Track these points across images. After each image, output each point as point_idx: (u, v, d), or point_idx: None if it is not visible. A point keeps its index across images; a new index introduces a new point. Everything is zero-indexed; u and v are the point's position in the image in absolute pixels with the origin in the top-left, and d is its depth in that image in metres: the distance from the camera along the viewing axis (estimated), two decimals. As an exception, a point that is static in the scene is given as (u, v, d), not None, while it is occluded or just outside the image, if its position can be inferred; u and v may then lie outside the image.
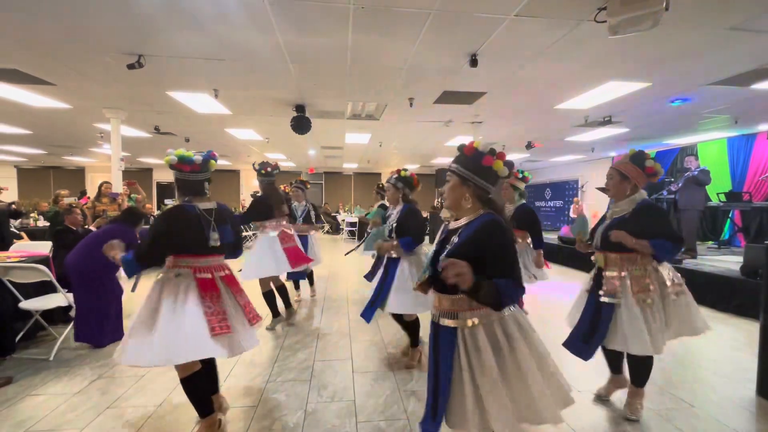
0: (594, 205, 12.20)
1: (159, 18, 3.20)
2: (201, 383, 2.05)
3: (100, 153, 11.60)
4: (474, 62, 3.87)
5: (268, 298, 3.84)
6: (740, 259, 4.86)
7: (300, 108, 5.93)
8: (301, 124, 5.93)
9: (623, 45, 3.60)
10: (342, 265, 7.62)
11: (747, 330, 3.89)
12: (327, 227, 14.07)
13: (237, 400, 2.52)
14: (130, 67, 3.86)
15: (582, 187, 12.89)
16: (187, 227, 2.00)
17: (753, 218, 7.33)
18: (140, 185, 7.84)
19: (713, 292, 4.74)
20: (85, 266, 3.27)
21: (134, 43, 3.70)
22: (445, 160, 13.13)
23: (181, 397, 2.53)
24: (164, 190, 15.74)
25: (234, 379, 2.83)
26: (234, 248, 2.34)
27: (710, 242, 7.87)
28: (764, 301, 2.68)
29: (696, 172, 6.09)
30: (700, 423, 2.32)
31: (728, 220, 7.85)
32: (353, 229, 13.09)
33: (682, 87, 4.91)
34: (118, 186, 6.32)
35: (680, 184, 6.31)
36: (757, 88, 4.73)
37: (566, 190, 13.84)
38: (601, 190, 7.66)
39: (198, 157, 2.04)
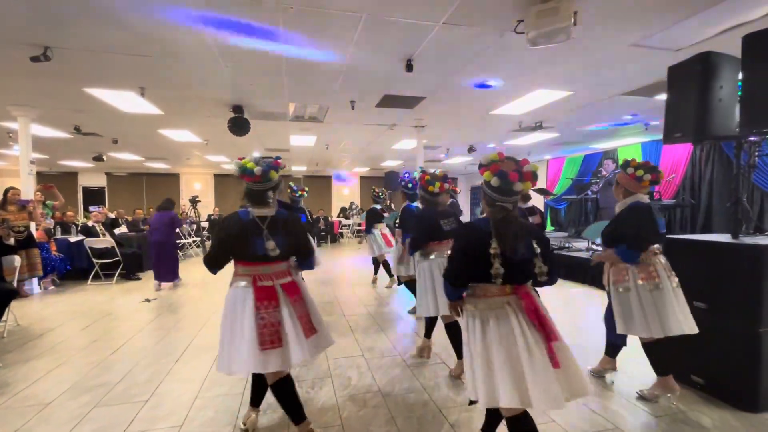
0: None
1: (64, 5, 2.91)
2: (288, 388, 2.08)
3: (11, 155, 10.35)
4: (409, 67, 3.96)
5: None
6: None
7: (238, 108, 5.70)
8: (239, 125, 5.70)
9: (545, 56, 3.87)
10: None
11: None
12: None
13: (159, 421, 2.35)
14: (35, 59, 3.48)
15: (521, 188, 13.65)
16: (237, 234, 2.02)
17: (663, 215, 8.19)
18: (62, 191, 7.09)
19: (629, 282, 5.21)
20: (165, 240, 5.99)
21: (38, 34, 3.34)
22: (394, 163, 13.28)
23: (90, 425, 2.31)
24: (92, 195, 14.38)
25: (157, 398, 2.63)
26: (302, 258, 2.22)
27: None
28: (663, 289, 2.99)
29: (611, 175, 6.73)
30: (611, 403, 2.53)
31: (644, 216, 8.70)
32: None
33: (599, 96, 5.38)
34: (29, 192, 5.67)
35: (600, 185, 6.92)
36: (659, 98, 5.31)
37: (508, 191, 14.59)
38: (538, 191, 8.06)
39: (258, 169, 2.02)
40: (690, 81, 2.59)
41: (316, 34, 3.39)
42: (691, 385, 2.70)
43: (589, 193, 7.68)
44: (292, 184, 4.99)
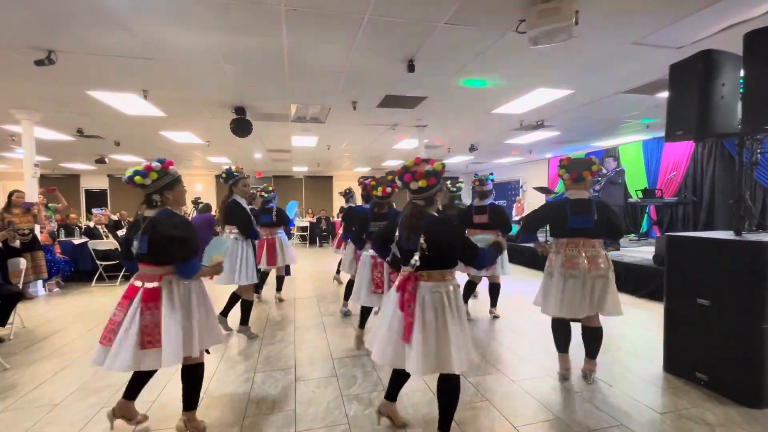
0: (534, 204, 12.97)
1: (69, 10, 2.94)
2: (140, 381, 2.26)
3: (14, 158, 10.40)
4: (411, 67, 3.97)
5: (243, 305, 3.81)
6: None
7: (240, 110, 5.71)
8: (241, 127, 5.72)
9: (547, 55, 3.88)
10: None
11: (658, 313, 4.31)
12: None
13: (166, 421, 2.37)
14: (39, 63, 3.50)
15: (522, 186, 13.67)
16: (127, 231, 2.22)
17: (665, 212, 8.20)
18: (65, 193, 7.12)
19: (632, 279, 5.24)
20: (205, 238, 6.18)
21: (43, 37, 3.37)
22: (395, 163, 13.29)
23: (99, 426, 2.33)
24: (93, 198, 14.42)
25: (164, 398, 2.65)
26: (176, 264, 2.07)
27: (632, 235, 8.69)
28: (666, 286, 3.01)
29: (612, 173, 6.73)
30: (616, 401, 2.54)
31: (645, 214, 8.72)
32: (304, 234, 12.88)
33: (600, 94, 5.38)
34: (33, 195, 5.70)
35: (602, 184, 6.93)
36: (660, 96, 5.31)
37: (509, 190, 14.62)
38: (539, 189, 8.17)
39: (124, 177, 2.13)
40: (692, 79, 2.60)
41: (319, 35, 3.41)
42: (696, 382, 2.71)
43: (591, 191, 7.70)
44: (257, 188, 5.11)
